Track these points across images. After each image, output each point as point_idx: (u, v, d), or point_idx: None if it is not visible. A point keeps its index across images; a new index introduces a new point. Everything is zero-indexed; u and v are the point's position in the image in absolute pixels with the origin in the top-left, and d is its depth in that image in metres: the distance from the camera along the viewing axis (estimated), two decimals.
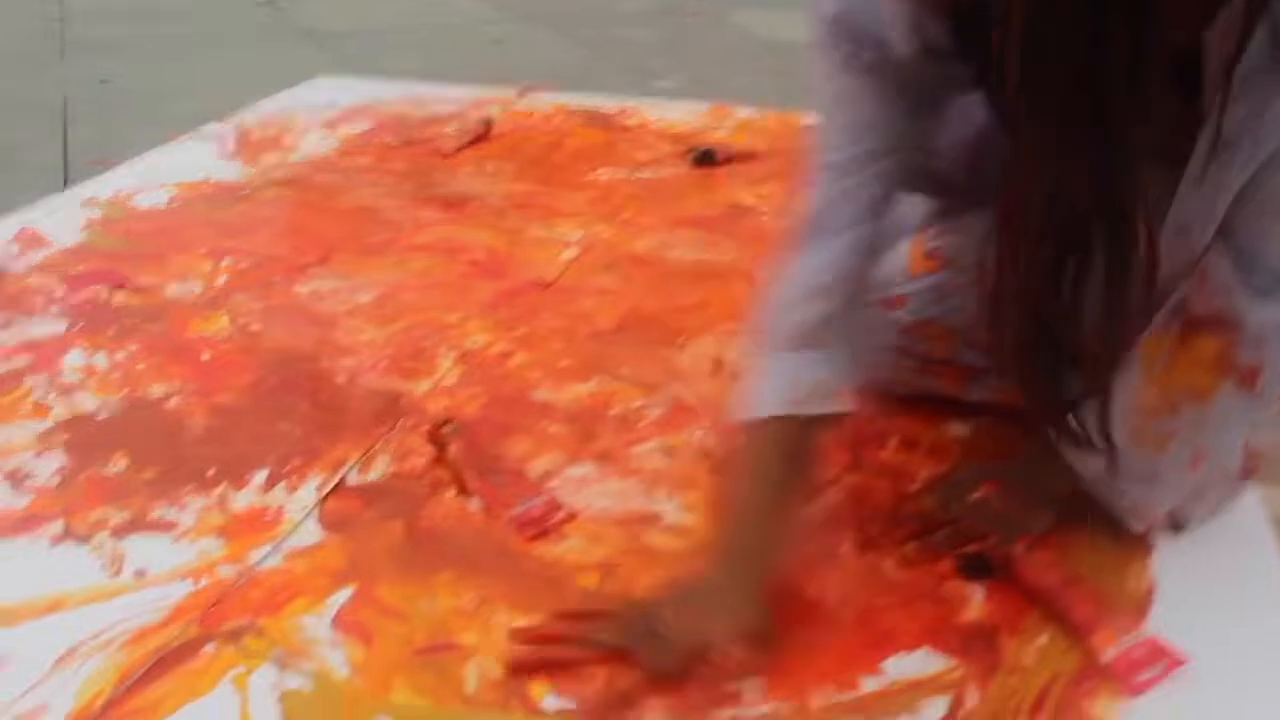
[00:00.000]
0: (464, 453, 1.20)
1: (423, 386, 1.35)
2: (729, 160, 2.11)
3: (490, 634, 0.98)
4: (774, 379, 1.03)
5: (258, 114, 2.33)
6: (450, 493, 1.16)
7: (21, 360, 1.39)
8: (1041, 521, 1.12)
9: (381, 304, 1.54)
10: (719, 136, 2.24)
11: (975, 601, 1.04)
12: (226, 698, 0.91)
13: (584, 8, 3.99)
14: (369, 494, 1.16)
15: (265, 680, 0.92)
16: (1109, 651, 0.97)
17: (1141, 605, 1.03)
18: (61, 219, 1.80)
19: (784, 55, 3.17)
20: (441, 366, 1.39)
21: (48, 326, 1.47)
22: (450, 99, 2.44)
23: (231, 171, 2.02)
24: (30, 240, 1.72)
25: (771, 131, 2.26)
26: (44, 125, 2.12)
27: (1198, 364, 0.99)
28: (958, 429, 1.30)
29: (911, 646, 0.99)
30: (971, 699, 0.93)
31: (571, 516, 1.13)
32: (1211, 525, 1.12)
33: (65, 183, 1.95)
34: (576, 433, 1.26)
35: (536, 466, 1.20)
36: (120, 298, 1.55)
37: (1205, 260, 0.95)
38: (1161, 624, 1.00)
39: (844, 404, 1.03)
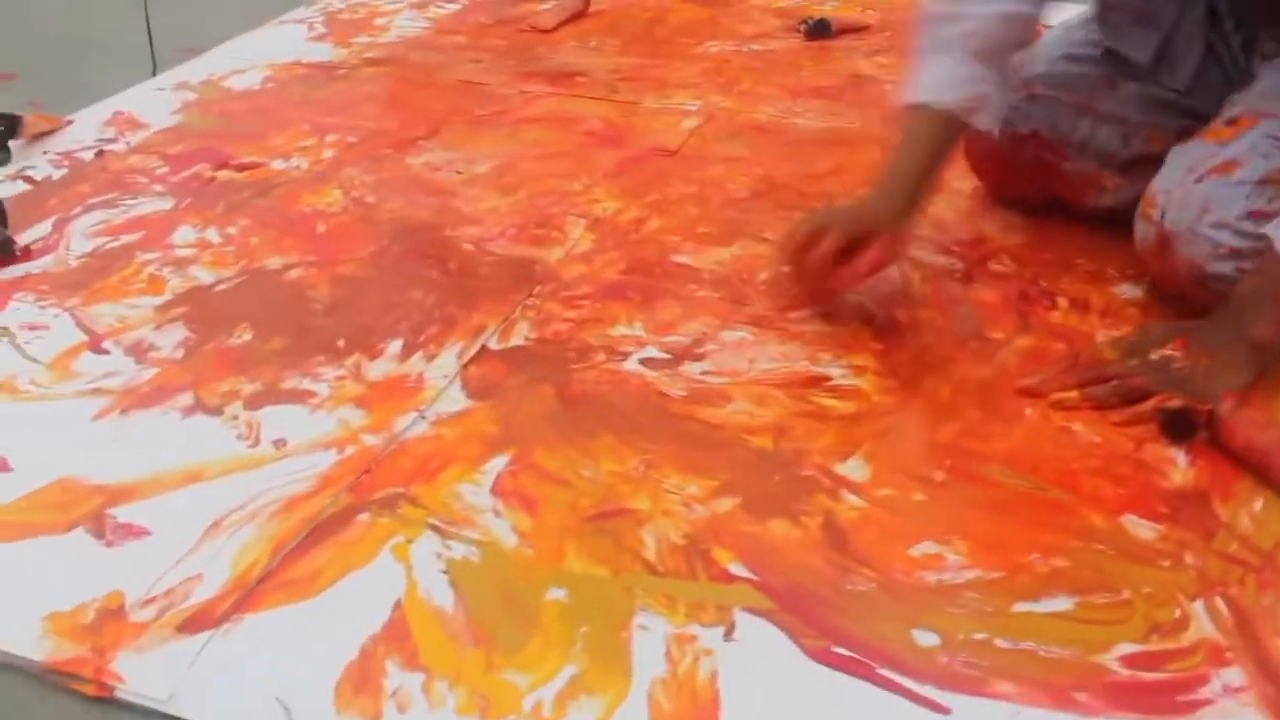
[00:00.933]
0: None
1: (555, 253, 1.27)
2: (843, 31, 2.00)
3: (662, 499, 0.91)
4: (942, 75, 1.13)
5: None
6: (600, 356, 1.09)
7: (130, 237, 1.32)
8: (1237, 378, 1.03)
9: (500, 173, 1.46)
10: (826, 11, 2.12)
11: (1179, 465, 0.96)
12: (389, 567, 0.84)
13: None
14: (514, 360, 1.09)
15: (428, 549, 0.86)
16: None
17: None
18: (155, 102, 1.73)
19: None
20: (572, 233, 1.31)
21: (153, 204, 1.40)
22: None
23: (323, 53, 1.93)
24: (126, 123, 1.65)
25: (882, 4, 2.14)
26: (126, 15, 2.04)
27: None
28: (1129, 291, 1.22)
29: (1115, 513, 0.91)
30: (1188, 567, 0.86)
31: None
32: None
33: (154, 72, 1.87)
34: (727, 297, 1.18)
35: (689, 330, 1.13)
36: (224, 175, 1.48)
37: None
38: None
39: (987, 123, 1.16)
